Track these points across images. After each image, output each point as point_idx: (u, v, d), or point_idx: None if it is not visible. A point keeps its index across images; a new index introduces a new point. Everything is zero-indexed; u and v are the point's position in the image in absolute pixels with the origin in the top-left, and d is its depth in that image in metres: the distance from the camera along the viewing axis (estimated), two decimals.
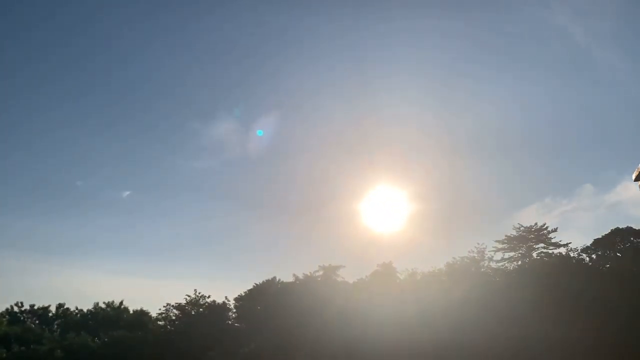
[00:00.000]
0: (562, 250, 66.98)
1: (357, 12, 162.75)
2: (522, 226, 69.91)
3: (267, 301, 72.26)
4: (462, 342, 54.07)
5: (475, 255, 68.79)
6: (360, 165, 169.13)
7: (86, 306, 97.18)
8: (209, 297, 77.52)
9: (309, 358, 60.73)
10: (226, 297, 77.39)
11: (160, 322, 79.55)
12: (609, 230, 65.70)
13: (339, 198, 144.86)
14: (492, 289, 61.36)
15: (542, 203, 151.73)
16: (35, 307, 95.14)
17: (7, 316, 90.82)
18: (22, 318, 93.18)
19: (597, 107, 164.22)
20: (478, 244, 69.54)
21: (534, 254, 69.10)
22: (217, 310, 76.03)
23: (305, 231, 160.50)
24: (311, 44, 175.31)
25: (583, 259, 65.05)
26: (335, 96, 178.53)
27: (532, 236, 69.48)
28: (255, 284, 76.91)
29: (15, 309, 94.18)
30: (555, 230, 69.31)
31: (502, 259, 69.89)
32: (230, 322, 76.59)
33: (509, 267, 68.79)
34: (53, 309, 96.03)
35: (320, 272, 76.06)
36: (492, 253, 69.79)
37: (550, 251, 68.03)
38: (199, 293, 77.62)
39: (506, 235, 70.39)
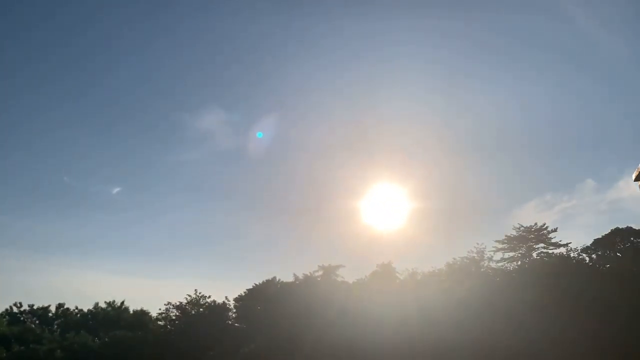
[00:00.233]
0: (562, 250, 67.07)
1: (356, 11, 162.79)
2: (522, 226, 70.07)
3: (267, 301, 72.27)
4: (462, 342, 54.04)
5: (475, 255, 68.78)
6: (360, 164, 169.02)
7: (86, 306, 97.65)
8: (209, 297, 77.66)
9: (309, 358, 60.72)
10: (226, 297, 77.53)
11: (160, 322, 79.57)
12: (609, 230, 65.73)
13: (339, 197, 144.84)
14: (492, 289, 61.33)
15: (543, 199, 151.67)
16: (35, 307, 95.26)
17: (6, 316, 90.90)
18: (21, 318, 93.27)
19: (599, 103, 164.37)
20: (478, 244, 69.58)
21: (534, 254, 69.15)
22: (217, 310, 76.04)
23: (305, 231, 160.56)
24: (311, 42, 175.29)
25: (583, 259, 65.02)
26: (334, 95, 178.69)
27: (532, 236, 69.51)
28: (255, 284, 76.99)
29: (15, 309, 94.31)
30: (555, 230, 69.45)
31: (502, 259, 69.94)
32: (230, 322, 76.59)
33: (509, 267, 68.82)
34: (53, 309, 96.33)
35: (320, 272, 76.13)
36: (492, 253, 69.87)
37: (550, 251, 68.08)
38: (199, 293, 77.76)
39: (506, 235, 70.48)
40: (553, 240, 68.68)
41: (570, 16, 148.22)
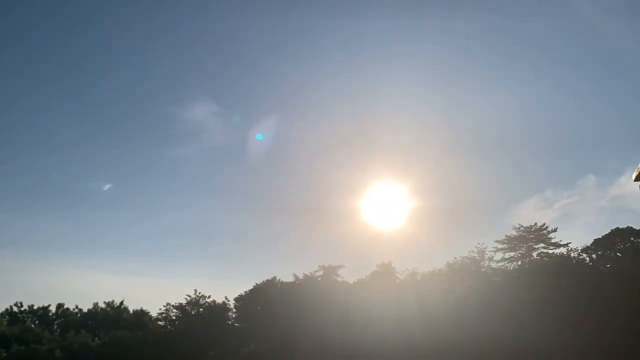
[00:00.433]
0: (562, 250, 67.25)
1: (356, 11, 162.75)
2: (522, 226, 70.25)
3: (267, 301, 72.21)
4: (462, 342, 54.10)
5: (475, 255, 68.83)
6: (361, 163, 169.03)
7: (86, 306, 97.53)
8: (209, 297, 77.46)
9: (309, 358, 60.79)
10: (226, 297, 77.35)
11: (160, 322, 79.43)
12: (609, 230, 65.81)
13: (339, 197, 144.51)
14: (492, 289, 61.40)
15: (543, 196, 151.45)
16: (35, 307, 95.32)
17: (6, 316, 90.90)
18: (21, 318, 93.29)
19: (600, 102, 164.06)
20: (478, 244, 69.64)
21: (534, 254, 69.31)
22: (217, 310, 75.94)
23: (305, 231, 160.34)
24: (311, 42, 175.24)
25: (583, 259, 65.11)
26: (334, 94, 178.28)
27: (532, 236, 69.67)
28: (255, 284, 76.89)
29: (15, 309, 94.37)
30: (555, 230, 69.68)
31: (502, 259, 70.10)
32: (230, 322, 76.48)
33: (509, 267, 68.94)
34: (53, 308, 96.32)
35: (320, 272, 76.10)
36: (492, 253, 69.99)
37: (550, 251, 68.22)
38: (199, 293, 77.59)
39: (506, 235, 70.63)
40: (553, 240, 68.88)
41: (570, 14, 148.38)
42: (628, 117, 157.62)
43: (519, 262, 68.95)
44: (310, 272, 76.33)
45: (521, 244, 69.84)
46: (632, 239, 64.42)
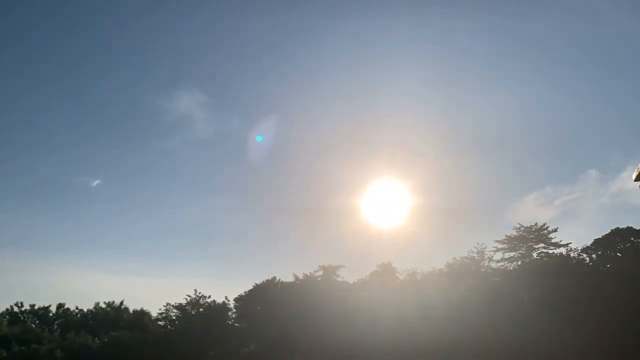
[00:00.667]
0: (562, 250, 67.28)
1: (356, 10, 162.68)
2: (522, 226, 70.28)
3: (267, 301, 72.25)
4: (463, 342, 54.13)
5: (475, 255, 68.92)
6: (360, 163, 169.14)
7: (86, 306, 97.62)
8: (209, 297, 77.48)
9: (309, 358, 60.80)
10: (226, 297, 77.38)
11: (160, 322, 79.50)
12: (609, 230, 65.89)
13: (339, 196, 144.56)
14: (492, 289, 61.39)
15: (543, 192, 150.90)
16: (36, 307, 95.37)
17: (7, 316, 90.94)
18: (22, 318, 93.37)
19: (599, 101, 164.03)
20: (478, 244, 69.79)
21: (534, 254, 69.29)
22: (217, 310, 75.97)
23: (305, 231, 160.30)
24: (311, 42, 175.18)
25: (583, 259, 65.16)
26: (334, 94, 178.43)
27: (532, 236, 69.65)
28: (255, 284, 76.90)
29: (16, 309, 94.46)
30: (555, 230, 69.64)
31: (502, 259, 70.12)
32: (230, 322, 76.51)
33: (509, 267, 68.94)
34: (53, 309, 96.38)
35: (320, 272, 76.15)
36: (492, 253, 70.07)
37: (550, 251, 68.20)
38: (199, 293, 77.60)
39: (506, 235, 70.64)
40: (553, 240, 68.84)
41: (570, 15, 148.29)
42: (628, 116, 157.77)
43: (519, 262, 68.93)
44: (310, 272, 76.49)
45: (521, 244, 69.84)
46: (632, 239, 64.50)
